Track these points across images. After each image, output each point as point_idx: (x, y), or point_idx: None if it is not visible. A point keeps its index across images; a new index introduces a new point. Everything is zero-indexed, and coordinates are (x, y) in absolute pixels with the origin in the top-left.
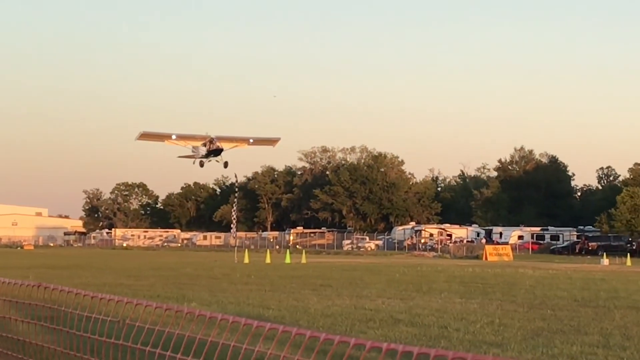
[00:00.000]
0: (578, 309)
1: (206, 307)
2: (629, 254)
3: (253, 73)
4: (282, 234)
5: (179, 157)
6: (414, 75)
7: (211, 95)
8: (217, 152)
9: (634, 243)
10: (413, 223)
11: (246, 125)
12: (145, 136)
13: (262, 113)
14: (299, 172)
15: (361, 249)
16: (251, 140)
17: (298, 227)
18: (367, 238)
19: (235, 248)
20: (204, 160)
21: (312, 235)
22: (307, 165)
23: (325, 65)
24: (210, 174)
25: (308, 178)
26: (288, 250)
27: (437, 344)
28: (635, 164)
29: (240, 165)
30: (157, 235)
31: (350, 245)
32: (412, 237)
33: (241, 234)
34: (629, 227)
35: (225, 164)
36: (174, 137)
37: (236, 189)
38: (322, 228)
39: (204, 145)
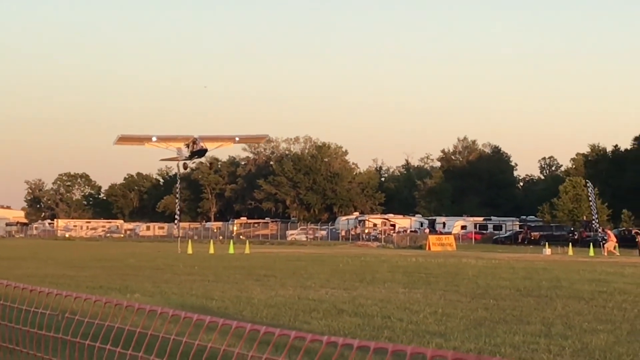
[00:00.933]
0: (520, 298)
1: (149, 298)
2: (570, 244)
3: (191, 64)
4: (225, 224)
5: (162, 159)
6: (357, 65)
7: (145, 84)
8: (202, 152)
9: (575, 232)
10: (357, 213)
11: (188, 116)
12: (123, 140)
13: (205, 103)
14: (243, 163)
15: (317, 237)
16: (237, 139)
17: (242, 218)
18: (311, 228)
19: (179, 239)
20: (187, 162)
21: (255, 225)
22: (250, 155)
23: (268, 55)
24: (153, 165)
25: (252, 168)
26: (232, 241)
27: (380, 334)
28: (577, 154)
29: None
30: (100, 225)
31: (304, 235)
32: (355, 227)
33: (184, 224)
34: (571, 216)
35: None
36: (154, 139)
37: (179, 180)
38: (266, 218)
39: (187, 146)
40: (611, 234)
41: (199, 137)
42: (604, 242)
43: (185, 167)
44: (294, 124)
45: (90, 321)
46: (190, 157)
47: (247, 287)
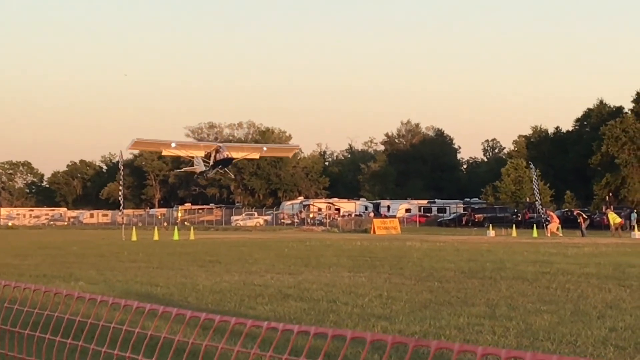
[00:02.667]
0: (465, 280)
1: (93, 286)
2: (514, 225)
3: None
4: (170, 210)
5: (180, 170)
6: (300, 50)
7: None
8: (227, 162)
9: (519, 214)
10: (301, 198)
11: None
12: (139, 144)
13: (142, 89)
14: None
15: (282, 221)
16: (264, 149)
17: (186, 204)
18: (256, 214)
19: (123, 226)
20: (209, 172)
21: (200, 211)
22: (194, 141)
23: (210, 40)
24: (96, 151)
25: None
26: (176, 227)
27: (325, 318)
28: (520, 136)
29: (126, 142)
30: (43, 213)
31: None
32: (300, 212)
33: (128, 211)
34: (514, 198)
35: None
36: (173, 145)
37: (121, 167)
38: (210, 204)
39: (208, 155)
40: (554, 215)
41: (223, 145)
42: (547, 223)
43: (206, 177)
44: (237, 109)
45: (29, 310)
46: (214, 167)
47: (192, 273)
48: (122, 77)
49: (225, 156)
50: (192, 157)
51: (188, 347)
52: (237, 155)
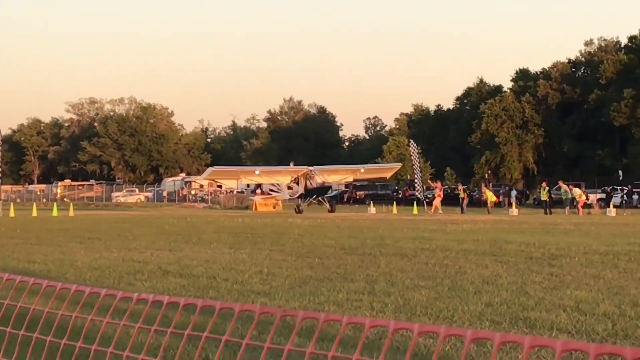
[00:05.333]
0: (345, 256)
1: None
2: (394, 202)
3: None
4: (49, 187)
5: (259, 195)
6: (182, 26)
7: None
8: (323, 190)
9: (399, 191)
10: (183, 174)
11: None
12: (216, 174)
13: (22, 64)
14: (66, 124)
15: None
16: (362, 170)
17: (66, 180)
18: (137, 190)
19: (1, 202)
20: (301, 204)
21: (80, 187)
22: (74, 117)
23: (89, 13)
24: None
25: (75, 130)
26: (55, 204)
27: (205, 295)
28: (401, 114)
29: (4, 116)
30: None
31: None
32: (182, 189)
33: (6, 187)
34: (395, 175)
35: (332, 208)
36: (257, 172)
37: (0, 142)
38: (91, 180)
39: (296, 180)
40: (441, 191)
41: (315, 168)
42: (427, 200)
43: (299, 210)
44: (119, 85)
45: None
46: (307, 196)
47: (71, 249)
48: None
49: (322, 183)
50: (276, 184)
51: (57, 319)
52: (332, 179)
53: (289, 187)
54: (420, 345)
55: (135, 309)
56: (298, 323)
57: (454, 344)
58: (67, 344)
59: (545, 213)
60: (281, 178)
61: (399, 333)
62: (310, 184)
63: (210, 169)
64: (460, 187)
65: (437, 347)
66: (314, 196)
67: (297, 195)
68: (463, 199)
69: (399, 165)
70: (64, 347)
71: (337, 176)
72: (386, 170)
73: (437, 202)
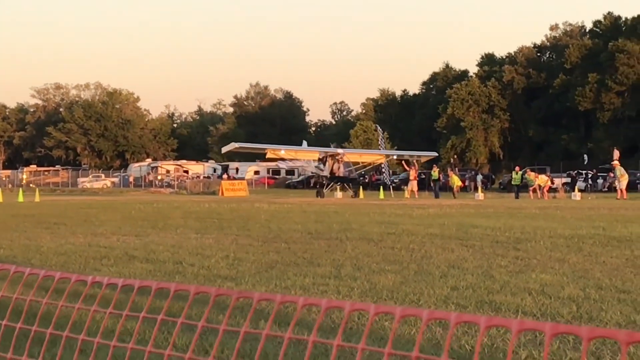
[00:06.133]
0: (311, 241)
1: None
2: (361, 187)
3: None
4: (14, 172)
5: (288, 183)
6: (148, 10)
7: None
8: (349, 180)
9: (366, 176)
10: (149, 160)
11: None
12: (240, 148)
13: None
14: (32, 110)
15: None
16: (395, 157)
17: (31, 166)
18: (103, 175)
19: None
20: (323, 189)
21: (46, 173)
22: (40, 102)
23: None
24: None
25: (41, 115)
26: (21, 189)
27: (171, 280)
28: (367, 99)
29: None
30: None
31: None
32: (148, 174)
33: None
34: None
35: (356, 193)
36: (282, 152)
37: None
38: (57, 166)
39: (324, 159)
40: (415, 174)
41: (343, 151)
42: (394, 185)
43: (321, 195)
44: (84, 70)
45: None
46: (331, 181)
47: (37, 235)
48: None
49: (347, 174)
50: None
51: (26, 305)
52: (364, 159)
53: (318, 167)
54: (387, 329)
55: (104, 294)
56: (276, 307)
57: (414, 323)
58: (38, 330)
59: (517, 197)
60: (309, 155)
61: (358, 313)
62: (339, 167)
63: (233, 143)
64: (435, 168)
65: (394, 327)
66: (338, 182)
67: (327, 177)
68: (437, 180)
69: (434, 154)
70: (35, 334)
71: (368, 157)
72: (421, 158)
73: (413, 185)
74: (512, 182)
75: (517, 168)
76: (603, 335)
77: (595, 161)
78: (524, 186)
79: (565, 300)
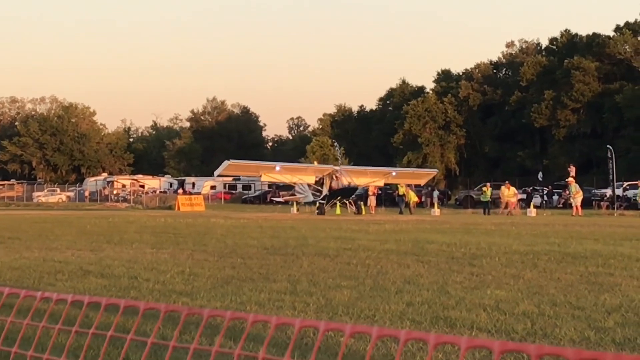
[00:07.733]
0: (267, 257)
1: None
2: (317, 203)
3: None
4: None
5: (283, 199)
6: (105, 26)
7: None
8: (349, 191)
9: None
10: (105, 174)
11: None
12: (233, 168)
13: None
14: None
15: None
16: (394, 174)
17: None
18: (58, 190)
19: None
20: (322, 204)
21: (0, 187)
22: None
23: (11, 12)
24: None
25: None
26: None
27: (126, 295)
28: (324, 114)
29: None
30: None
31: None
32: (104, 188)
33: None
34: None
35: (358, 209)
36: (277, 168)
37: None
38: (12, 180)
39: (320, 181)
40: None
41: (341, 168)
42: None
43: (321, 211)
44: (40, 84)
45: None
46: (331, 197)
47: None
48: None
49: (348, 184)
50: (296, 184)
51: None
52: (360, 181)
53: (316, 189)
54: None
55: (55, 309)
56: (226, 323)
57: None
58: None
59: (485, 214)
60: (305, 177)
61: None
62: (337, 184)
63: (226, 162)
64: (402, 184)
65: (343, 343)
66: (338, 197)
67: (321, 197)
68: (403, 196)
69: (435, 171)
70: None
71: (365, 179)
72: (422, 175)
73: (372, 201)
74: (482, 199)
75: (487, 185)
76: (551, 352)
77: (550, 177)
78: (492, 202)
79: (519, 317)
